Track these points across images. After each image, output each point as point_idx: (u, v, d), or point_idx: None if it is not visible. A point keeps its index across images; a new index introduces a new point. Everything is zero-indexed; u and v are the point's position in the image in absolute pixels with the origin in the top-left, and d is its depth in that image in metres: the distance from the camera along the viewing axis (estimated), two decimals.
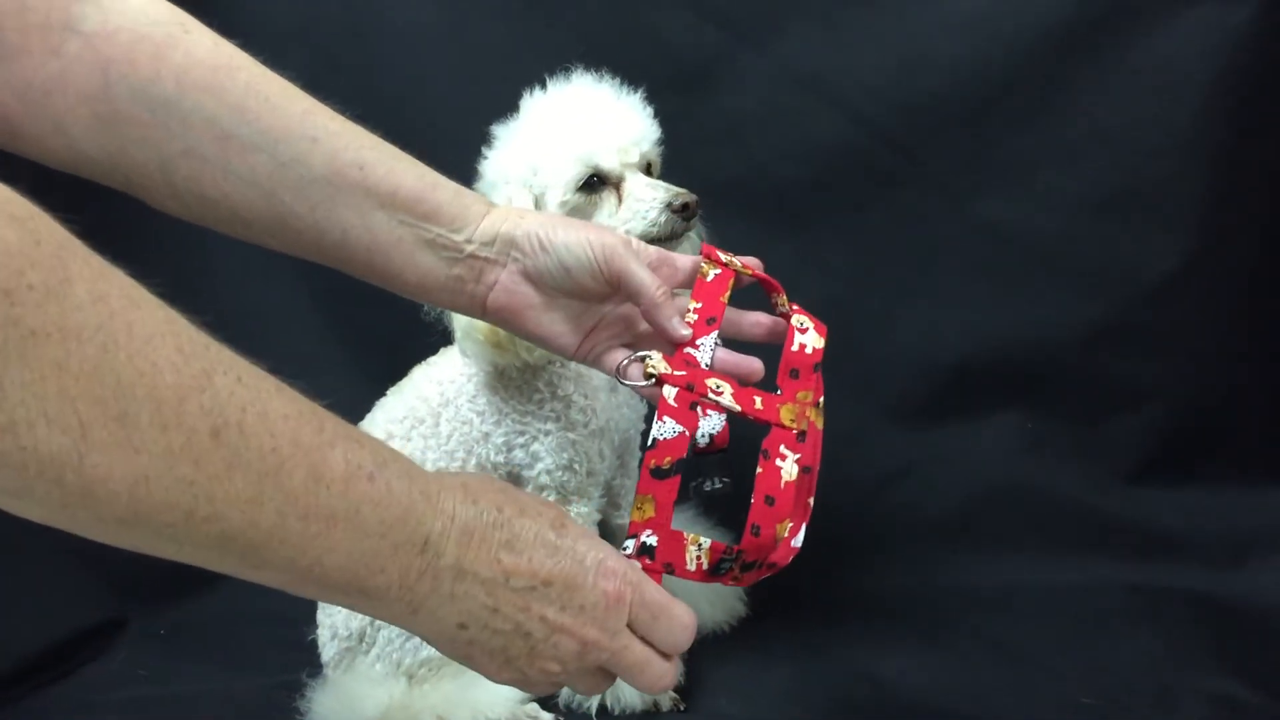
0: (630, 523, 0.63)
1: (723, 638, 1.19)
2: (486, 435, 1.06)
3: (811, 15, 1.40)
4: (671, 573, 0.63)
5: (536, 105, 1.02)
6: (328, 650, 1.05)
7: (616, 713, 1.03)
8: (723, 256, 0.74)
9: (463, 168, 1.01)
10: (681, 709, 1.04)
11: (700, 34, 1.42)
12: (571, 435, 1.04)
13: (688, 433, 0.65)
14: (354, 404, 1.14)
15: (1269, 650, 1.10)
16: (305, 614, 1.09)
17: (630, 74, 1.04)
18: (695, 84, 1.43)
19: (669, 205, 0.95)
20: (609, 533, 1.14)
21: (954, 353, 1.44)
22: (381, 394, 1.12)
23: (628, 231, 0.94)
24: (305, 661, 1.07)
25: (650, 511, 0.63)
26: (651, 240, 0.92)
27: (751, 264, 0.75)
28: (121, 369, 0.41)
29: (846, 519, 1.38)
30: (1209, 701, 1.01)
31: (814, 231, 1.44)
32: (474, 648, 0.56)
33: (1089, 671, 1.07)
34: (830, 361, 1.52)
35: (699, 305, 0.70)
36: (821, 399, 0.71)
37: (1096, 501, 1.37)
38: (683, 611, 0.61)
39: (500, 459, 1.06)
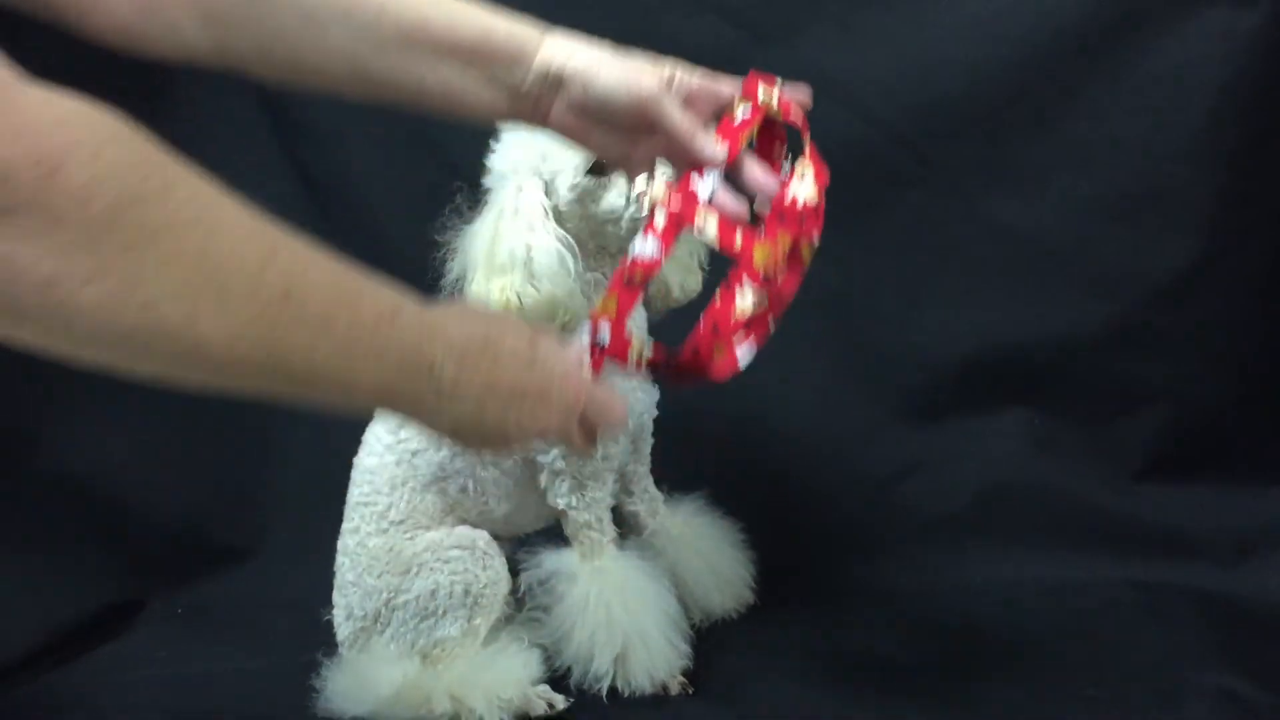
0: (591, 312, 0.76)
1: (731, 625, 1.20)
2: None
3: (827, 18, 1.42)
4: (613, 360, 0.75)
5: None
6: (343, 630, 1.07)
7: (626, 695, 1.04)
8: (761, 94, 0.79)
9: (480, 163, 1.04)
10: (690, 693, 1.05)
11: (716, 35, 1.43)
12: None
13: (662, 257, 0.74)
14: None
15: (1273, 647, 1.10)
16: (321, 595, 1.11)
17: None
18: None
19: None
20: (622, 519, 1.15)
21: (964, 351, 1.44)
22: None
23: (638, 198, 0.96)
24: (320, 641, 1.08)
25: (612, 310, 0.75)
26: None
27: (796, 97, 0.81)
28: (219, 251, 0.52)
29: (855, 513, 1.39)
30: (1213, 697, 1.01)
31: (827, 231, 1.44)
32: (459, 438, 0.71)
33: (1094, 667, 1.08)
34: (842, 358, 1.52)
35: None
36: (816, 240, 0.78)
37: (1104, 499, 1.37)
38: (618, 404, 0.75)
39: None
